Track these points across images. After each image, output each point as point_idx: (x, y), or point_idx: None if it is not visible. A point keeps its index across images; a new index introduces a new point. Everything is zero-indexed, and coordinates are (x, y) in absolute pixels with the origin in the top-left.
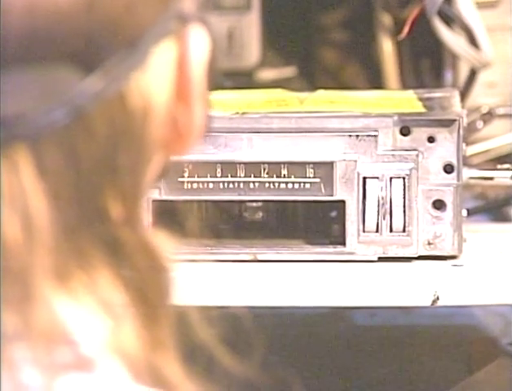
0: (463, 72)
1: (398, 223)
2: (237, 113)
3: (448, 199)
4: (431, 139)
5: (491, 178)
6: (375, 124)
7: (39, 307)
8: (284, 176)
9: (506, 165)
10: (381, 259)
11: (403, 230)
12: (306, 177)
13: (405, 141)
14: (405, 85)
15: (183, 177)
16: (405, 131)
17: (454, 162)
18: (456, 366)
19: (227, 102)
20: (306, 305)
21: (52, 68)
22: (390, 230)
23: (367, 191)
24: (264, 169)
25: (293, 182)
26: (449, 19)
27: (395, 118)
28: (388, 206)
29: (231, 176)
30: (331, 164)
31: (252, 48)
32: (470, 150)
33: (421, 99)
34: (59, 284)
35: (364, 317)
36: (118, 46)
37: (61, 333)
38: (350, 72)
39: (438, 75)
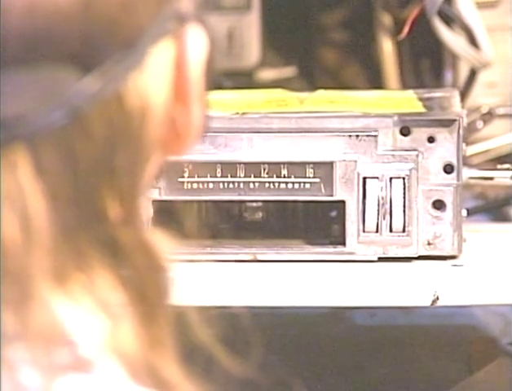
0: (463, 72)
1: (398, 223)
2: (237, 113)
3: (448, 200)
4: (431, 139)
5: (491, 178)
6: (375, 124)
7: (37, 308)
8: (284, 176)
9: (506, 165)
10: (381, 259)
11: (403, 231)
12: (306, 177)
13: (405, 141)
14: (405, 85)
15: (183, 177)
16: (405, 131)
17: (454, 162)
18: (456, 366)
19: (227, 102)
20: (306, 305)
21: (50, 69)
22: (390, 231)
23: (367, 191)
24: (264, 169)
25: (293, 182)
26: (449, 19)
27: (395, 118)
28: (388, 206)
29: (231, 176)
30: (331, 164)
31: (252, 48)
32: (470, 150)
33: (421, 99)
34: (58, 285)
35: (364, 317)
36: (116, 47)
37: (59, 334)
38: (350, 72)
39: (438, 75)
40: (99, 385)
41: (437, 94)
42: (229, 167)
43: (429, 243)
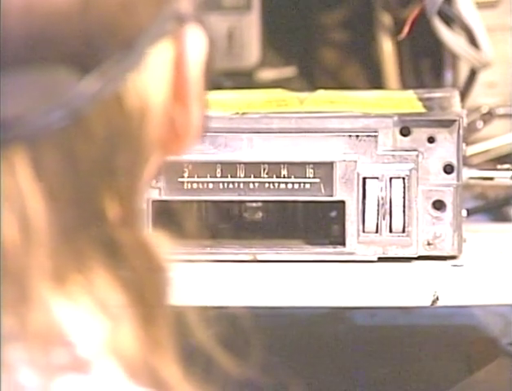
0: (463, 72)
1: (398, 223)
2: (237, 113)
3: (448, 200)
4: (431, 139)
5: (491, 178)
6: (375, 124)
7: (36, 308)
8: (284, 176)
9: (506, 165)
10: (380, 259)
11: (403, 231)
12: (306, 177)
13: (405, 141)
14: (405, 85)
15: (183, 177)
16: (405, 131)
17: (454, 162)
18: (456, 366)
19: (227, 102)
20: (306, 305)
21: (50, 70)
22: (390, 231)
23: (367, 191)
24: (264, 169)
25: (292, 183)
26: (449, 19)
27: (395, 118)
28: (388, 206)
29: (231, 176)
30: (331, 164)
31: (252, 48)
32: (470, 150)
33: (421, 99)
34: (57, 285)
35: (364, 317)
36: (115, 47)
37: (58, 334)
38: (350, 72)
39: (438, 75)
40: (98, 386)
41: (437, 94)
42: (229, 167)
43: (429, 244)
